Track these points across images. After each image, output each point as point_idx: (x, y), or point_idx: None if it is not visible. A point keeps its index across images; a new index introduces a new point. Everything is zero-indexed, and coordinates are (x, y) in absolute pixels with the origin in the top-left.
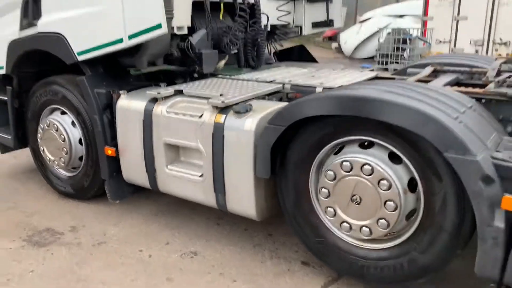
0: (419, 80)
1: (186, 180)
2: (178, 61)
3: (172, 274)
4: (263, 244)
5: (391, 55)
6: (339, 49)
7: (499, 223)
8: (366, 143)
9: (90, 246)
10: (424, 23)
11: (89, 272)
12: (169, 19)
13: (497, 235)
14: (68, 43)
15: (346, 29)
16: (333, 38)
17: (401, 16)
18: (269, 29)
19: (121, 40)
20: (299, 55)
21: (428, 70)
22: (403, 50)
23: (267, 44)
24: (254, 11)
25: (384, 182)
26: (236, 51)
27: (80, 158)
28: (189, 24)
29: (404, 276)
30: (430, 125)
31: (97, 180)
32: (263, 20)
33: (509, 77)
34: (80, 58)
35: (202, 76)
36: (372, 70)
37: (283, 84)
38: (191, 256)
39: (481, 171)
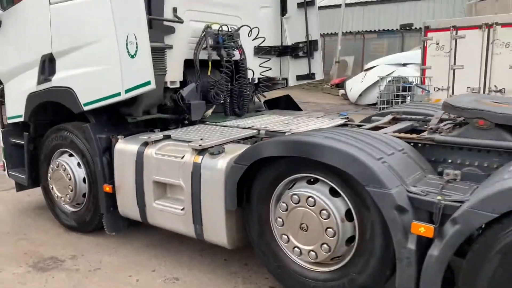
0: (376, 127)
1: (170, 213)
2: (171, 110)
3: None
4: (238, 272)
5: (391, 102)
6: (345, 96)
7: (411, 245)
8: (312, 180)
9: (87, 271)
10: (423, 72)
11: None
12: (163, 75)
13: (410, 255)
14: (76, 96)
15: (352, 77)
16: (340, 85)
17: (404, 65)
18: (256, 81)
19: (119, 94)
20: (286, 103)
21: (388, 118)
22: (404, 97)
23: (253, 94)
24: (239, 67)
25: (324, 212)
26: (222, 101)
27: (84, 195)
28: (181, 79)
29: None
30: (355, 164)
31: (97, 215)
32: (249, 74)
33: (444, 124)
34: (86, 108)
35: (192, 123)
36: (347, 118)
37: (259, 130)
38: (173, 281)
39: (394, 202)
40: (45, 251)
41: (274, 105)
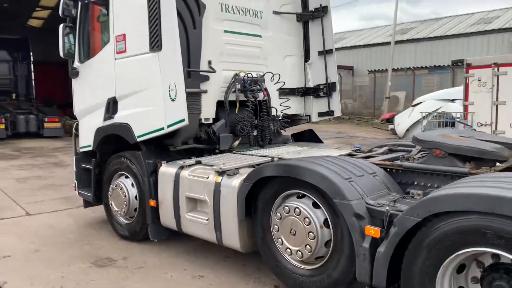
0: (368, 156)
1: (198, 223)
2: (205, 141)
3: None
4: (251, 274)
5: None
6: (393, 131)
7: (366, 244)
8: (300, 195)
9: (133, 268)
10: (466, 108)
11: (129, 283)
12: (197, 114)
13: (365, 252)
14: (132, 130)
15: (402, 112)
16: (390, 120)
17: (452, 100)
18: (280, 117)
19: (163, 128)
20: (310, 136)
21: (383, 149)
22: None
23: (275, 128)
24: (263, 105)
25: (307, 219)
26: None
27: (135, 210)
28: (214, 116)
29: (325, 287)
30: (325, 181)
31: (145, 226)
32: (273, 111)
33: (416, 154)
34: (139, 139)
35: (222, 151)
36: (358, 149)
37: (272, 158)
38: (198, 278)
39: (353, 210)
40: (103, 253)
41: (300, 138)
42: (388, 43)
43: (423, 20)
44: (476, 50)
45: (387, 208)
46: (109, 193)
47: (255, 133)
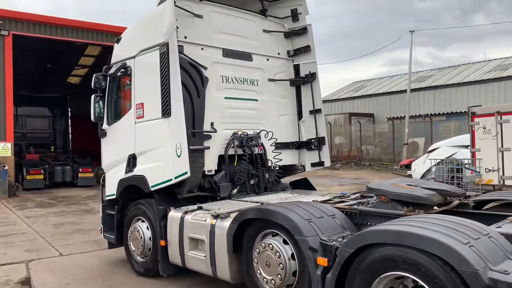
0: (339, 201)
1: (198, 259)
2: (208, 189)
3: None
4: None
5: (446, 182)
6: (410, 176)
7: (318, 272)
8: (274, 234)
9: None
10: (473, 154)
11: None
12: (201, 167)
13: (318, 278)
14: (147, 181)
15: (418, 158)
16: (409, 166)
17: (466, 146)
18: (277, 167)
19: (171, 179)
20: (305, 184)
21: (355, 195)
22: (458, 178)
23: (270, 177)
24: (259, 158)
25: (278, 253)
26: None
27: (149, 250)
28: (216, 168)
29: None
30: (288, 221)
31: (157, 263)
32: (269, 163)
33: (372, 199)
34: (152, 189)
35: (223, 198)
36: (342, 196)
37: (262, 203)
38: None
39: (308, 245)
40: (121, 287)
41: (297, 185)
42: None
43: (441, 68)
44: (493, 96)
45: (334, 242)
46: (128, 235)
47: (252, 182)
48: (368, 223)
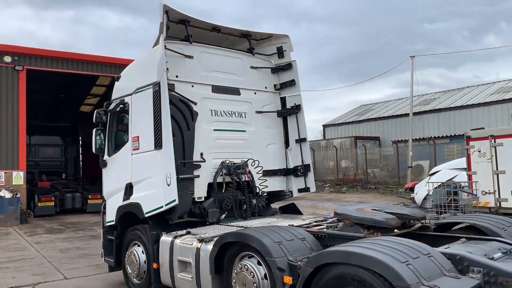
0: (316, 225)
1: (185, 280)
2: (198, 215)
3: None
4: None
5: (444, 205)
6: (413, 199)
7: None
8: (250, 256)
9: None
10: (470, 177)
11: None
12: (191, 195)
13: None
14: (142, 208)
15: (421, 181)
16: (413, 188)
17: (465, 169)
18: (265, 194)
19: (162, 206)
20: (293, 209)
21: (333, 219)
22: (455, 200)
23: (258, 203)
24: (247, 185)
25: (252, 273)
26: (234, 208)
27: (144, 272)
28: (205, 195)
29: None
30: (261, 244)
31: (151, 285)
32: (256, 190)
33: (340, 223)
34: (146, 215)
35: (211, 223)
36: (324, 220)
37: (244, 228)
38: None
39: (277, 265)
40: None
41: (286, 210)
42: (413, 113)
43: (445, 91)
44: (496, 118)
45: (299, 263)
46: (126, 258)
47: (239, 207)
48: (335, 245)
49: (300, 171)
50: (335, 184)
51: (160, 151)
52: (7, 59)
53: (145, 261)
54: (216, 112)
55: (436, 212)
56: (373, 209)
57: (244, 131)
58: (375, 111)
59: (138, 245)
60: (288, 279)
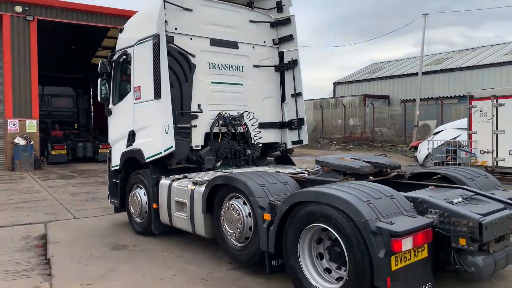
0: (299, 172)
1: (181, 219)
2: (195, 162)
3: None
4: (216, 255)
5: (442, 163)
6: (416, 158)
7: (264, 225)
8: (237, 196)
9: (139, 251)
10: (470, 136)
11: (133, 259)
12: (188, 142)
13: (264, 231)
14: (143, 153)
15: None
16: (417, 147)
17: None
18: (260, 145)
19: (161, 152)
20: (287, 160)
21: (317, 168)
22: (454, 159)
23: (252, 153)
24: (242, 136)
25: (238, 212)
26: (229, 157)
27: (145, 212)
28: (202, 144)
29: (246, 257)
30: (244, 185)
31: (151, 223)
32: (251, 141)
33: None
34: (147, 160)
35: (207, 170)
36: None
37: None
38: (181, 257)
39: (258, 204)
40: (121, 242)
41: (280, 161)
42: (424, 73)
43: (459, 50)
44: (508, 79)
45: (278, 202)
46: (129, 200)
47: (234, 156)
48: None
49: (295, 124)
50: (341, 142)
51: (159, 101)
52: (18, 9)
53: (146, 202)
54: (214, 65)
55: None
56: (352, 158)
57: (241, 84)
58: (387, 70)
59: (140, 188)
60: (267, 216)
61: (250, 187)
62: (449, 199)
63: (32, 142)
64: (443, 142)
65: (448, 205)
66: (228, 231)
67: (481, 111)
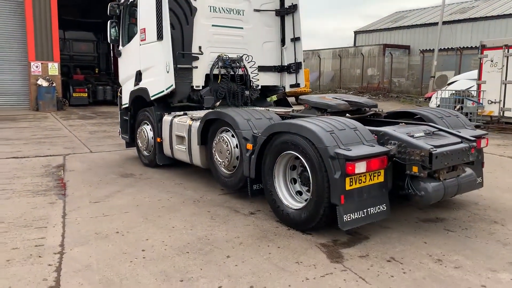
0: (287, 111)
1: (181, 151)
2: (196, 101)
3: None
4: (210, 183)
5: None
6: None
7: (247, 154)
8: (227, 130)
9: (144, 179)
10: (479, 86)
11: (139, 184)
12: (189, 83)
13: (247, 159)
14: (148, 92)
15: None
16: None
17: None
18: (259, 87)
19: (163, 91)
20: (285, 102)
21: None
22: (461, 108)
23: (249, 95)
24: (241, 78)
25: (227, 143)
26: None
27: (152, 145)
28: (203, 84)
29: (233, 183)
30: (231, 119)
31: (155, 155)
32: (250, 83)
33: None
34: (152, 98)
35: (207, 109)
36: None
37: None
38: (179, 184)
39: (243, 135)
40: (129, 171)
41: (279, 103)
42: (446, 22)
43: None
44: None
45: (260, 134)
46: (138, 135)
47: (232, 97)
48: None
49: (293, 68)
50: (358, 92)
51: (161, 42)
52: None
53: (152, 137)
54: (214, 8)
55: None
56: (334, 98)
57: (242, 28)
58: (409, 19)
59: (147, 124)
60: (249, 146)
61: (237, 121)
62: (410, 133)
63: (54, 84)
64: (453, 91)
65: (406, 137)
66: (219, 161)
67: (491, 61)
